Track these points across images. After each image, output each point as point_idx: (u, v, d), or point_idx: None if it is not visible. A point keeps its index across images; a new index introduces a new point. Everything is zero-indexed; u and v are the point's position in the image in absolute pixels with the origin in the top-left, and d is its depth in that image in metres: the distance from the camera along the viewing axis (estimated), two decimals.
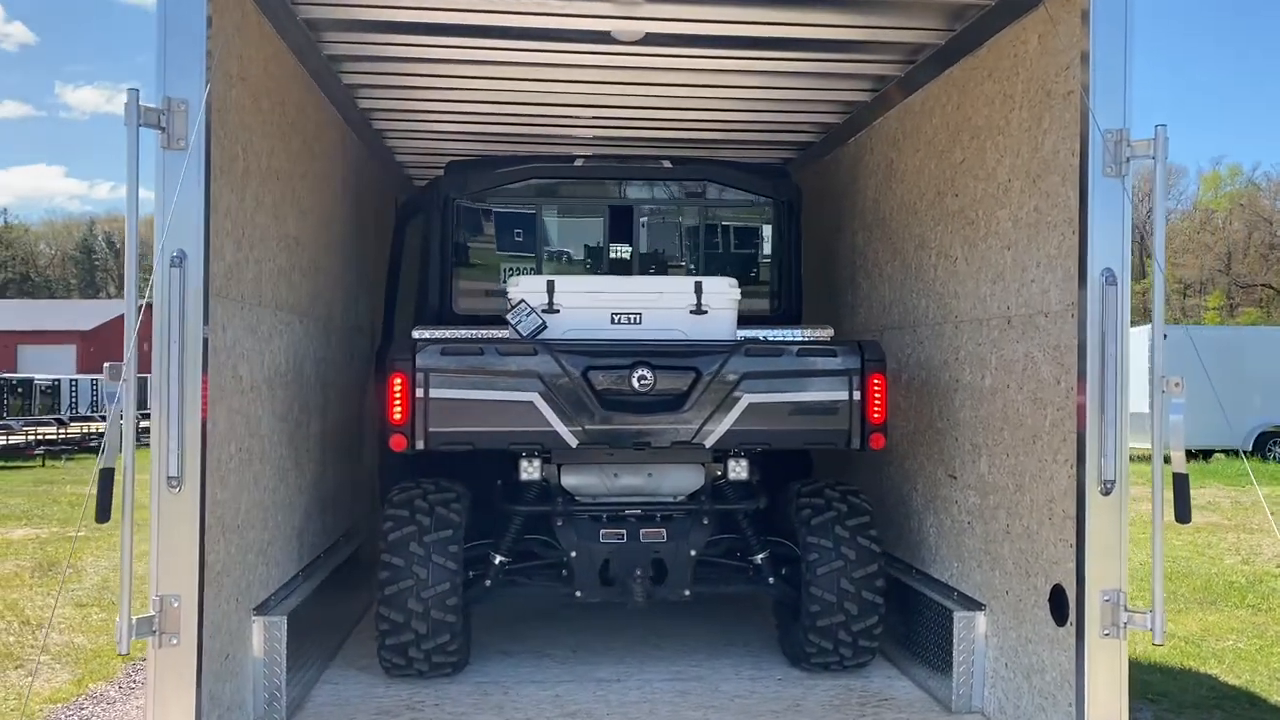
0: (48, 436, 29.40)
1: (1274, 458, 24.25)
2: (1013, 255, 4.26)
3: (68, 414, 41.72)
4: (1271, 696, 6.94)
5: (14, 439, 27.50)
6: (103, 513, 3.16)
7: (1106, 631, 3.50)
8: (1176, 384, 3.42)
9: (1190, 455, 17.27)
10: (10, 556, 12.24)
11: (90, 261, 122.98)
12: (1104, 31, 3.53)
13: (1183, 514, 3.49)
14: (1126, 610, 3.50)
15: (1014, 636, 4.23)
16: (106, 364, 3.17)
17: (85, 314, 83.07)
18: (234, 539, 3.98)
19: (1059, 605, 3.80)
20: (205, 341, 3.42)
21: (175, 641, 3.29)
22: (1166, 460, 3.54)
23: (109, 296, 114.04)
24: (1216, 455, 24.91)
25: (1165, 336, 3.53)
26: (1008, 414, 4.31)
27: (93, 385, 50.34)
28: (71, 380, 49.48)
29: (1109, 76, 3.53)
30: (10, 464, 25.85)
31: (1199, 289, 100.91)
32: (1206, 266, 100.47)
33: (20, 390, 44.46)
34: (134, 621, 3.20)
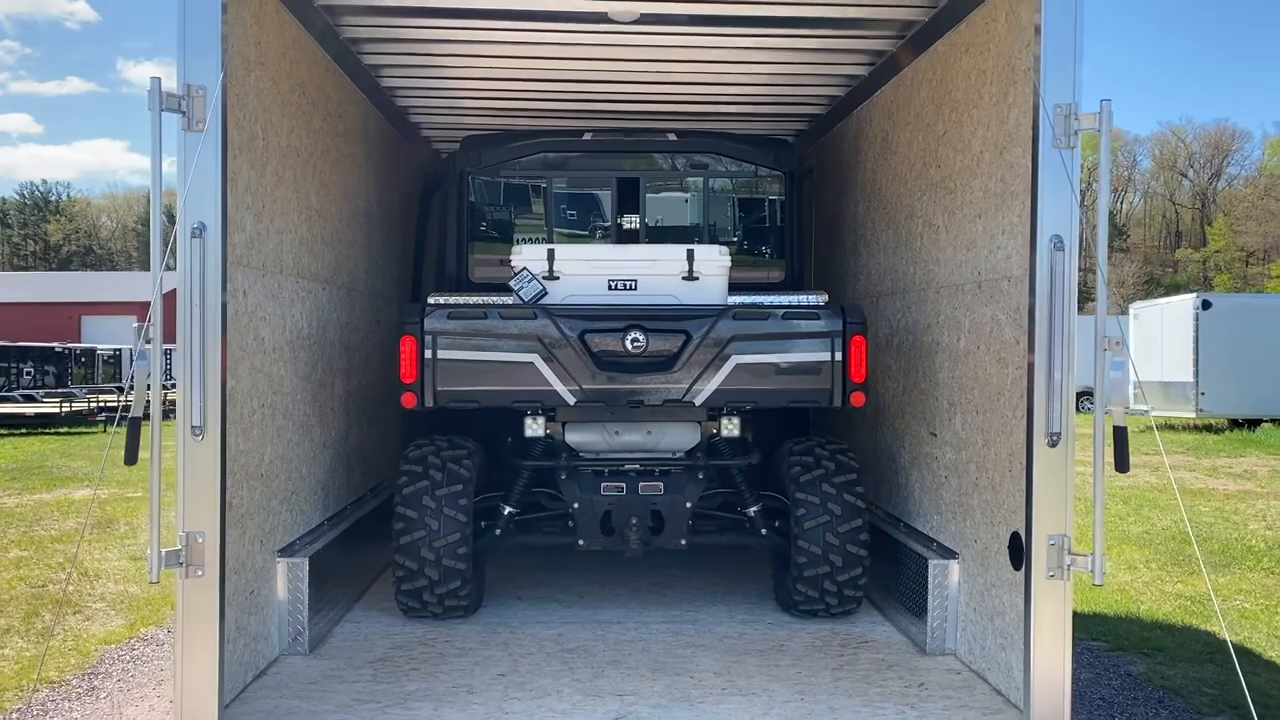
0: (109, 404, 30.42)
1: None
2: (983, 223, 4.49)
3: (129, 383, 43.02)
4: (1267, 653, 7.13)
5: (77, 406, 28.54)
6: (131, 456, 3.54)
7: (1051, 574, 3.75)
8: (1116, 343, 3.64)
9: (1237, 424, 17.28)
10: (72, 515, 12.91)
11: (150, 234, 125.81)
12: (1054, 10, 3.73)
13: (1121, 464, 3.72)
14: (1070, 554, 3.75)
15: (981, 582, 4.50)
16: (134, 324, 3.53)
17: (145, 285, 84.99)
18: (258, 486, 4.37)
19: (1015, 551, 4.06)
20: (224, 306, 3.79)
21: (200, 573, 3.67)
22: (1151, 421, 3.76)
23: (169, 268, 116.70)
24: (1264, 425, 24.65)
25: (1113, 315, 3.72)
26: (977, 374, 4.56)
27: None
28: (133, 350, 50.89)
29: (1059, 53, 3.73)
30: (74, 430, 26.86)
31: (1262, 256, 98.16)
32: (1270, 234, 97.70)
33: (84, 360, 45.86)
34: (163, 554, 3.59)
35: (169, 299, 3.44)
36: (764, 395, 5.05)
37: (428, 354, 4.89)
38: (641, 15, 5.09)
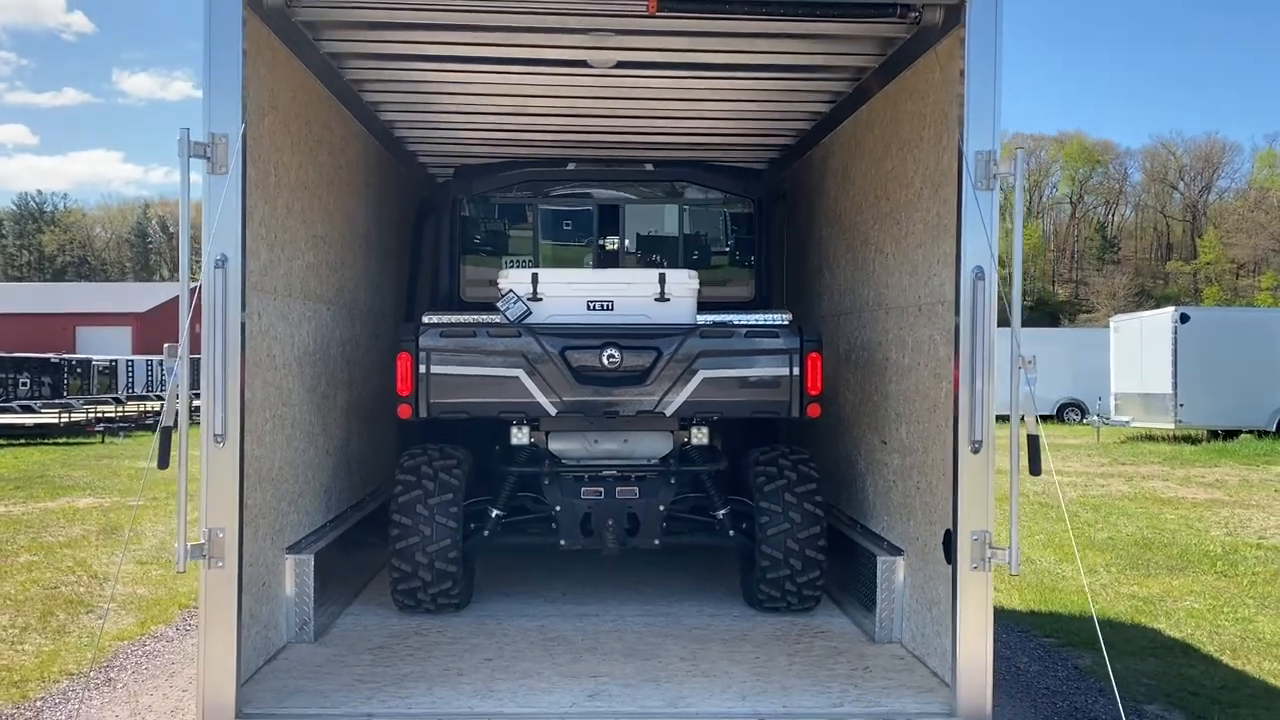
0: (107, 415, 30.82)
1: None
2: (923, 253, 5.00)
3: (125, 393, 43.40)
4: (1205, 647, 7.62)
5: (75, 416, 28.93)
6: (163, 460, 4.02)
7: (975, 565, 4.24)
8: (1029, 362, 4.13)
9: (1216, 435, 18.06)
10: (78, 522, 13.34)
11: (145, 245, 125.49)
12: (976, 70, 4.23)
13: (1034, 468, 4.21)
14: (991, 548, 4.23)
15: (921, 576, 4.99)
16: (166, 344, 4.02)
17: (140, 296, 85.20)
18: (269, 488, 4.85)
19: (947, 547, 4.55)
20: (243, 327, 4.27)
21: (221, 565, 4.14)
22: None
23: (162, 279, 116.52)
24: (1243, 435, 25.22)
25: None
26: (919, 387, 5.06)
27: (148, 365, 52.15)
28: (128, 361, 51.23)
29: (980, 106, 4.24)
30: (73, 440, 27.21)
31: (1252, 269, 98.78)
32: (1260, 246, 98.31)
33: (80, 370, 46.19)
34: (189, 547, 4.07)
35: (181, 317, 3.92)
36: (728, 406, 5.54)
37: (422, 369, 5.37)
38: (618, 62, 5.60)
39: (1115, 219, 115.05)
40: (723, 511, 5.92)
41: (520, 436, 5.76)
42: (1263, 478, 18.81)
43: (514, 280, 5.60)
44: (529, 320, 5.52)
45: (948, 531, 4.57)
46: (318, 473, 5.72)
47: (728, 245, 7.35)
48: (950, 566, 4.44)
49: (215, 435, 4.10)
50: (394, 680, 4.63)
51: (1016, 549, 4.15)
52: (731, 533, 5.94)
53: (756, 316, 5.75)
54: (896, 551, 5.33)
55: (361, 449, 6.74)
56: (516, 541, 5.99)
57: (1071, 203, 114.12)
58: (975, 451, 4.23)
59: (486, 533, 5.85)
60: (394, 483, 5.68)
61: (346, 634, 5.39)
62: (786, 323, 5.71)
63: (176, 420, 3.99)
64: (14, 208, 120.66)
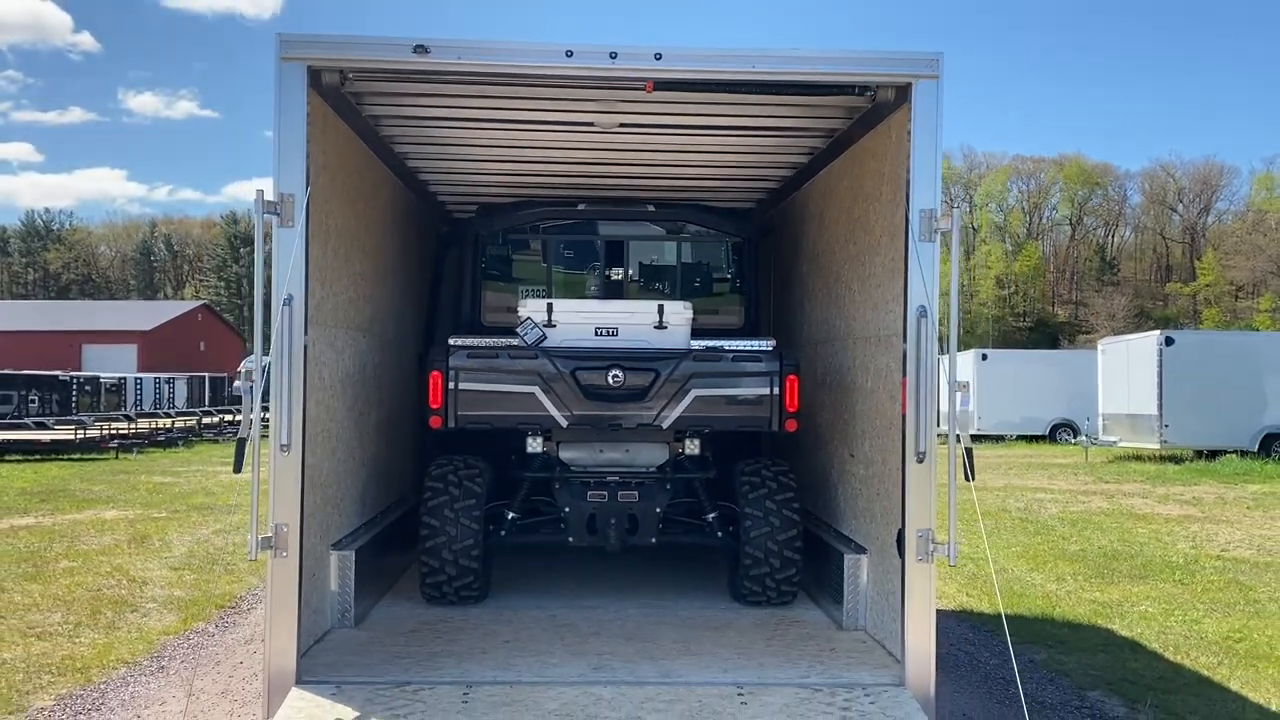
0: (120, 431, 31.60)
1: (1277, 457, 25.23)
2: (881, 292, 5.81)
3: (134, 410, 44.24)
4: (1151, 645, 8.40)
5: (90, 433, 29.72)
6: (238, 466, 4.81)
7: (920, 558, 5.03)
8: (965, 385, 4.93)
9: (1201, 455, 19.16)
10: (107, 532, 14.12)
11: (149, 262, 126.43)
12: (920, 140, 5.06)
13: (969, 475, 5.00)
14: (934, 543, 5.02)
15: (881, 570, 5.78)
16: (241, 368, 4.82)
17: (146, 314, 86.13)
18: (319, 492, 5.65)
19: (899, 543, 5.33)
20: (305, 354, 5.08)
21: (285, 555, 4.93)
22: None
23: (166, 297, 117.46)
24: (1228, 455, 25.99)
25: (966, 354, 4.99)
26: (878, 408, 5.86)
27: (155, 383, 52.99)
28: (136, 379, 52.10)
29: (924, 171, 5.05)
30: (87, 456, 27.97)
31: (1251, 291, 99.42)
32: (1258, 268, 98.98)
33: (88, 388, 47.06)
34: (259, 539, 4.86)
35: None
36: (717, 421, 6.34)
37: (451, 385, 6.18)
38: (621, 124, 6.43)
39: (1114, 240, 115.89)
40: (712, 515, 6.71)
41: (535, 445, 6.57)
42: (1238, 495, 19.56)
43: (531, 309, 6.40)
44: (544, 344, 6.32)
45: (900, 530, 5.36)
46: (355, 480, 6.52)
47: (719, 278, 8.17)
48: (901, 560, 5.23)
49: (281, 445, 4.90)
50: (426, 657, 5.41)
51: (954, 544, 4.94)
52: (719, 534, 6.73)
53: (743, 343, 6.55)
54: (861, 550, 6.12)
55: (389, 460, 7.54)
56: (530, 540, 6.78)
57: (1071, 224, 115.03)
58: (920, 461, 5.02)
59: (504, 533, 6.64)
60: (423, 490, 6.47)
61: (382, 621, 6.18)
62: (770, 348, 6.51)
63: (250, 432, 4.79)
64: (20, 225, 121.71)
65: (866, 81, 5.44)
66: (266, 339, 4.84)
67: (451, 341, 6.38)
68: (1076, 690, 7.20)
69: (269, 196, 4.88)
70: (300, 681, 4.93)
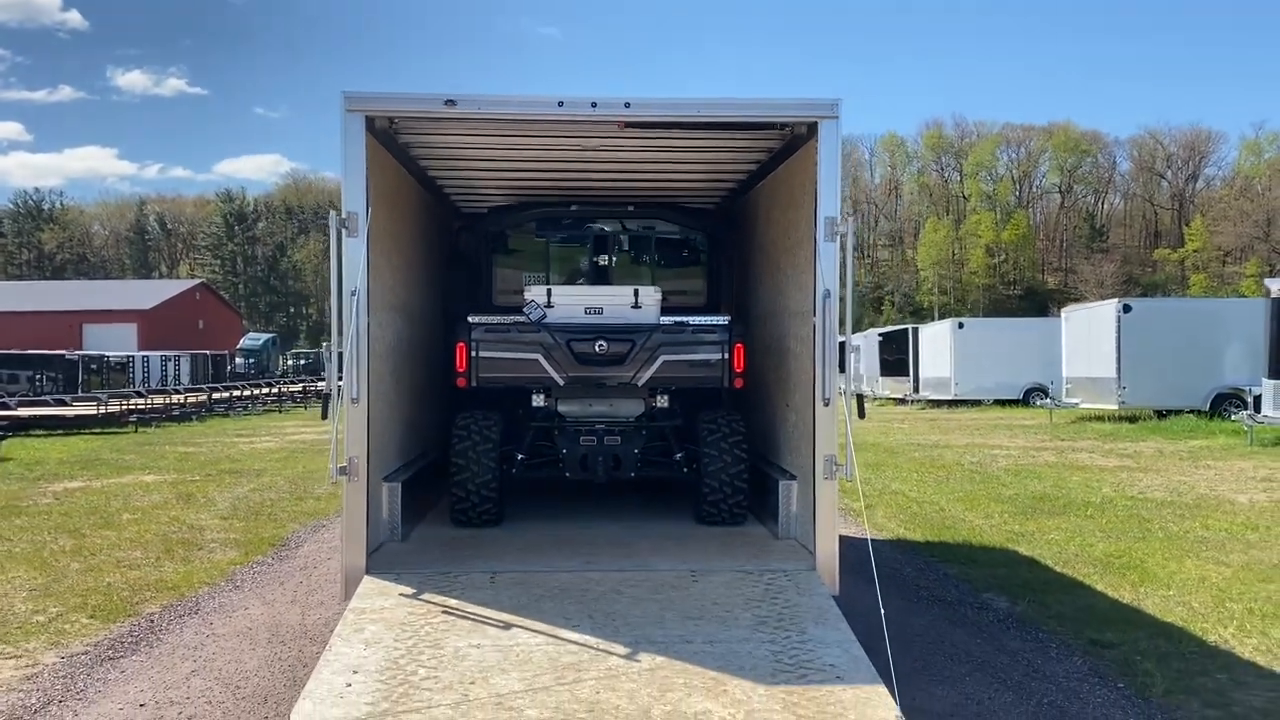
0: (139, 406, 33.30)
1: (1226, 416, 27.05)
2: (804, 277, 7.53)
3: (143, 387, 45.91)
4: (1045, 561, 10.20)
5: (111, 408, 31.42)
6: (325, 414, 6.54)
7: (826, 477, 6.77)
8: (855, 349, 6.65)
9: (1158, 415, 21.45)
10: (154, 492, 15.85)
11: (143, 241, 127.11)
12: (825, 163, 6.75)
13: (860, 414, 6.74)
14: (835, 465, 6.77)
15: (804, 491, 7.54)
16: (324, 344, 6.54)
17: (145, 293, 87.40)
18: (375, 436, 7.38)
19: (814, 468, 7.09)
20: (368, 331, 6.80)
21: (356, 479, 6.67)
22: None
23: (161, 276, 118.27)
24: (1183, 415, 27.84)
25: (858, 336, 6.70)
26: (803, 367, 7.59)
27: (161, 361, 54.60)
28: (144, 357, 53.70)
29: (828, 186, 6.77)
30: (107, 430, 29.64)
31: (1238, 256, 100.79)
32: (1245, 234, 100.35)
33: (95, 367, 48.64)
34: (338, 467, 6.58)
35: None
36: (681, 380, 8.08)
37: (472, 354, 7.90)
38: (601, 149, 8.15)
39: (1104, 208, 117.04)
40: (679, 454, 8.47)
41: (538, 401, 8.31)
42: (1176, 449, 21.37)
43: (535, 293, 8.11)
44: (545, 320, 8.02)
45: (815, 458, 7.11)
46: (396, 429, 8.26)
47: (686, 264, 9.90)
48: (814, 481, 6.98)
49: (353, 398, 6.63)
50: (461, 559, 7.17)
51: (852, 463, 6.68)
52: (685, 469, 8.48)
53: (702, 318, 8.27)
54: (791, 477, 7.88)
55: (419, 415, 9.28)
56: (535, 476, 8.53)
57: (1060, 192, 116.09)
58: (825, 405, 6.77)
59: (515, 470, 8.40)
60: (452, 436, 8.21)
61: (421, 538, 7.93)
62: (724, 323, 8.23)
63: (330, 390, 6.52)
64: (12, 205, 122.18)
65: (785, 120, 7.17)
66: (339, 324, 6.56)
67: (471, 319, 8.09)
68: (974, 592, 9.01)
69: (342, 214, 6.59)
70: (368, 572, 6.69)
